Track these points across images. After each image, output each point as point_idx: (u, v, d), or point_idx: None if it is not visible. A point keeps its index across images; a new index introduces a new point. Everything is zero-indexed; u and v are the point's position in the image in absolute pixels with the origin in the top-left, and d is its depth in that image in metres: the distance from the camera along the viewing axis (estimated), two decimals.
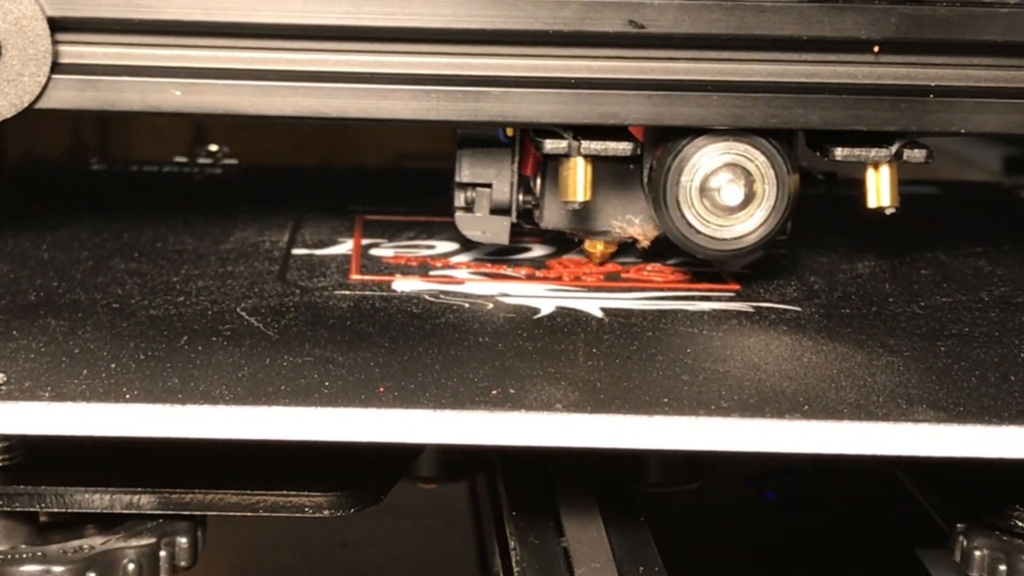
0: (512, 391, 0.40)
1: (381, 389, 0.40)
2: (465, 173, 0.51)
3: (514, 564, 0.44)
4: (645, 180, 0.50)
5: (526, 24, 0.45)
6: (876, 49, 0.46)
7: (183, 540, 0.42)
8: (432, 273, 0.52)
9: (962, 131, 0.47)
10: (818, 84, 0.46)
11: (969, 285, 0.52)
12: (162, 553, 0.42)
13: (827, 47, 0.46)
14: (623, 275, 0.52)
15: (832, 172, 0.67)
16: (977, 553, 0.42)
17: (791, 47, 0.46)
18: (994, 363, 0.44)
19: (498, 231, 0.52)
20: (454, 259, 0.54)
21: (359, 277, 0.51)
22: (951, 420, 0.39)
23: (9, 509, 0.42)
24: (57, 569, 0.41)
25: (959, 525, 0.43)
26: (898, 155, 0.47)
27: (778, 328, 0.47)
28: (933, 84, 0.46)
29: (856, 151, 0.47)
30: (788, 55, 0.46)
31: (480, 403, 0.39)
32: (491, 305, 0.48)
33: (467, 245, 0.55)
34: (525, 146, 0.51)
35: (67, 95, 0.45)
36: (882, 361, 0.43)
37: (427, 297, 0.49)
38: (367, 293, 0.49)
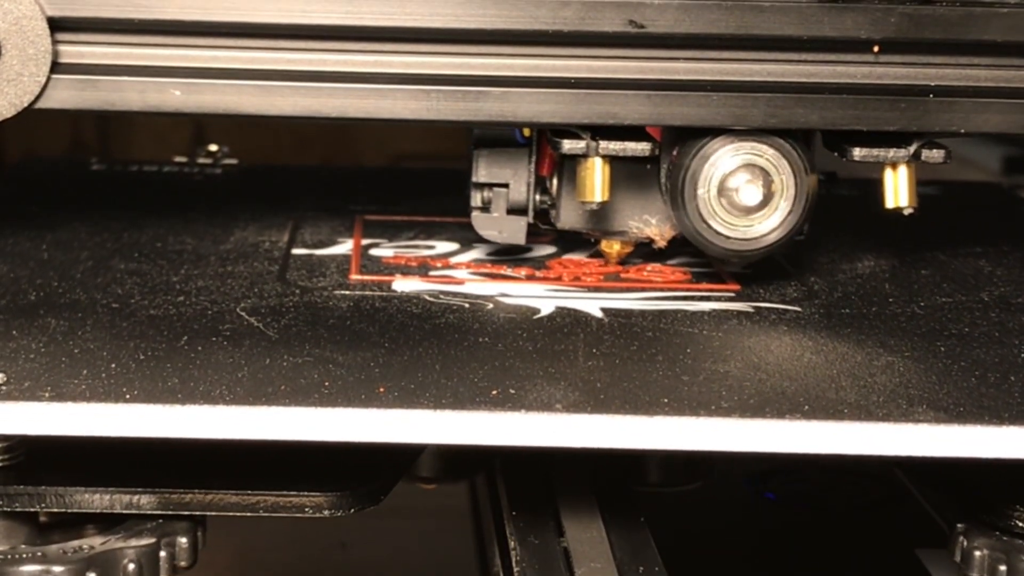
0: (512, 391, 0.40)
1: (381, 389, 0.40)
2: (482, 173, 0.51)
3: (514, 564, 0.44)
4: (663, 181, 0.50)
5: (526, 24, 0.45)
6: (876, 49, 0.46)
7: (183, 540, 0.42)
8: (432, 273, 0.52)
9: (962, 131, 0.47)
10: (818, 84, 0.46)
11: (969, 285, 0.52)
12: (162, 553, 0.42)
13: (827, 47, 0.46)
14: (623, 275, 0.52)
15: (832, 172, 0.67)
16: (977, 553, 0.42)
17: (791, 47, 0.46)
18: (994, 363, 0.44)
19: (515, 231, 0.52)
20: (454, 259, 0.54)
21: (359, 277, 0.51)
22: (951, 420, 0.39)
23: (9, 509, 0.42)
24: (57, 569, 0.41)
25: (959, 525, 0.43)
26: (916, 155, 0.47)
27: (778, 328, 0.47)
28: (933, 84, 0.46)
29: (874, 151, 0.47)
30: (788, 55, 0.46)
31: (480, 403, 0.39)
32: (491, 305, 0.48)
33: (467, 245, 0.55)
34: (542, 146, 0.51)
35: (67, 95, 0.45)
36: (882, 361, 0.43)
37: (427, 297, 0.49)
38: (367, 293, 0.49)
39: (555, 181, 0.51)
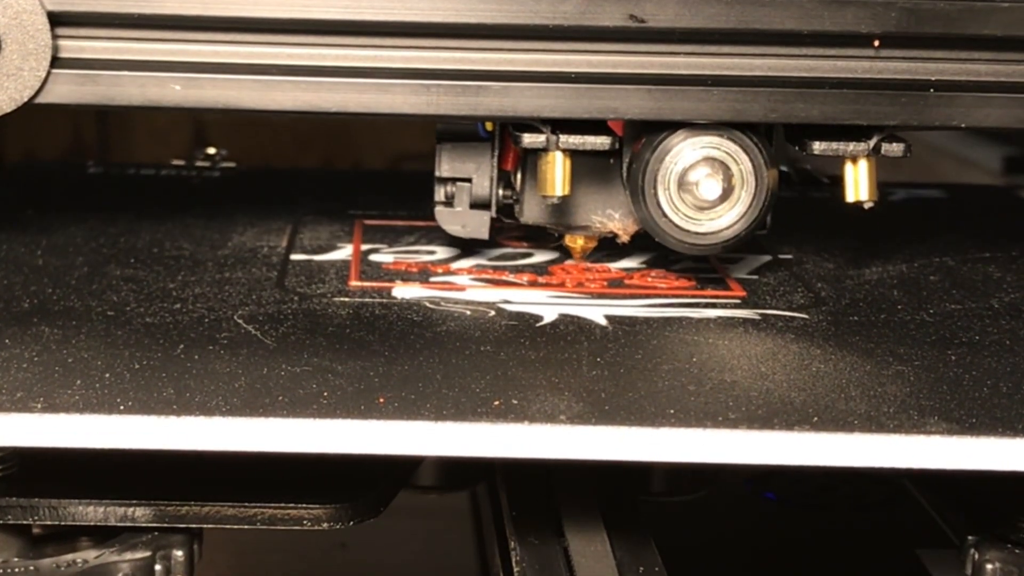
0: (515, 401, 0.39)
1: (381, 399, 0.39)
2: (444, 168, 0.51)
3: (514, 566, 0.43)
4: (624, 174, 0.49)
5: (526, 18, 0.44)
6: (876, 43, 0.45)
7: (179, 553, 0.42)
8: (433, 279, 0.51)
9: (962, 125, 0.46)
10: (818, 78, 0.46)
11: (979, 292, 0.52)
12: (157, 567, 0.41)
13: (827, 41, 0.45)
14: (627, 281, 0.51)
15: (837, 175, 0.67)
16: (989, 566, 0.42)
17: (791, 41, 0.45)
18: (1006, 372, 0.43)
19: (478, 226, 0.52)
20: (455, 265, 0.53)
21: (358, 283, 0.50)
22: (963, 432, 0.38)
23: (2, 521, 0.42)
24: None
25: (970, 537, 0.43)
26: (876, 149, 0.47)
27: (785, 336, 0.46)
28: (934, 78, 0.46)
29: (834, 145, 0.47)
30: (788, 49, 0.45)
31: (482, 414, 0.38)
32: (493, 312, 0.47)
33: (468, 250, 0.54)
34: (505, 140, 0.51)
35: (67, 89, 0.44)
36: (892, 370, 0.43)
37: (428, 304, 0.48)
38: (367, 300, 0.48)
39: (518, 175, 0.51)
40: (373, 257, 0.54)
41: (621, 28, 0.44)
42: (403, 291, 0.50)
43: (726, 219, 0.47)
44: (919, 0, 0.45)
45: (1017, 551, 0.42)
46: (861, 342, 0.45)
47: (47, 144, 1.08)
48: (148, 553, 0.41)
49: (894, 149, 0.47)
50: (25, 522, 0.42)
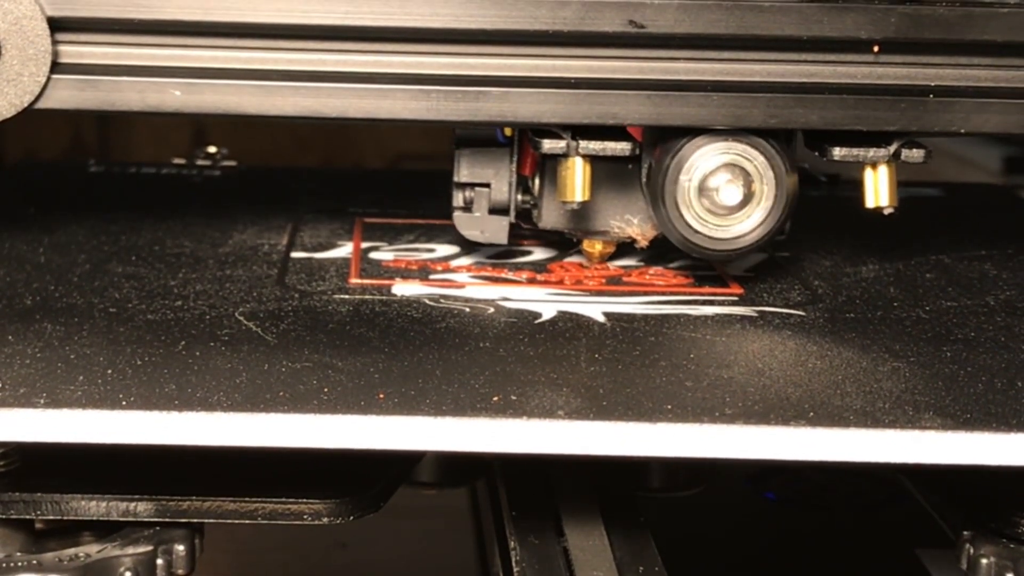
0: (513, 397, 0.40)
1: (381, 395, 0.39)
2: (463, 173, 0.51)
3: (514, 565, 0.43)
4: (643, 180, 0.49)
5: (526, 24, 0.44)
6: (876, 49, 0.45)
7: (180, 548, 0.42)
8: (432, 277, 0.51)
9: (962, 131, 0.47)
10: (818, 84, 0.46)
11: (974, 289, 0.52)
12: (159, 561, 0.42)
13: (827, 47, 0.45)
14: (625, 279, 0.52)
15: (835, 174, 0.67)
16: (984, 560, 0.42)
17: (791, 47, 0.45)
18: (1000, 369, 0.43)
19: (497, 231, 0.52)
20: (454, 263, 0.53)
21: (359, 281, 0.51)
22: (958, 427, 0.38)
23: (4, 516, 0.42)
24: None
25: (965, 532, 0.43)
26: (896, 155, 0.47)
27: (782, 333, 0.46)
28: (933, 84, 0.46)
29: (855, 151, 0.47)
30: (788, 55, 0.45)
31: (481, 410, 0.39)
32: (492, 309, 0.48)
33: (467, 248, 0.54)
34: (523, 146, 0.51)
35: (67, 95, 0.44)
36: (887, 367, 0.43)
37: (427, 301, 0.48)
38: (367, 297, 0.49)
39: (537, 181, 0.51)
40: (373, 255, 0.54)
41: (621, 34, 0.45)
42: (403, 288, 0.50)
43: (747, 224, 0.47)
44: (919, 6, 0.45)
45: (1012, 546, 0.42)
46: (857, 338, 0.46)
47: (48, 144, 1.08)
48: (150, 547, 0.42)
49: (914, 155, 0.47)
50: (28, 517, 0.42)
